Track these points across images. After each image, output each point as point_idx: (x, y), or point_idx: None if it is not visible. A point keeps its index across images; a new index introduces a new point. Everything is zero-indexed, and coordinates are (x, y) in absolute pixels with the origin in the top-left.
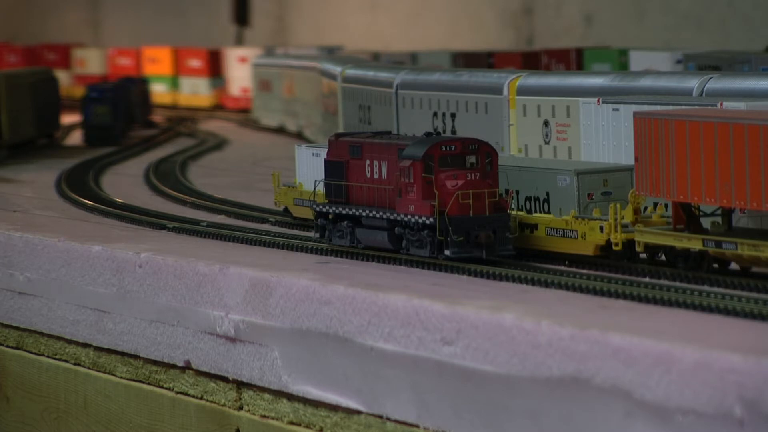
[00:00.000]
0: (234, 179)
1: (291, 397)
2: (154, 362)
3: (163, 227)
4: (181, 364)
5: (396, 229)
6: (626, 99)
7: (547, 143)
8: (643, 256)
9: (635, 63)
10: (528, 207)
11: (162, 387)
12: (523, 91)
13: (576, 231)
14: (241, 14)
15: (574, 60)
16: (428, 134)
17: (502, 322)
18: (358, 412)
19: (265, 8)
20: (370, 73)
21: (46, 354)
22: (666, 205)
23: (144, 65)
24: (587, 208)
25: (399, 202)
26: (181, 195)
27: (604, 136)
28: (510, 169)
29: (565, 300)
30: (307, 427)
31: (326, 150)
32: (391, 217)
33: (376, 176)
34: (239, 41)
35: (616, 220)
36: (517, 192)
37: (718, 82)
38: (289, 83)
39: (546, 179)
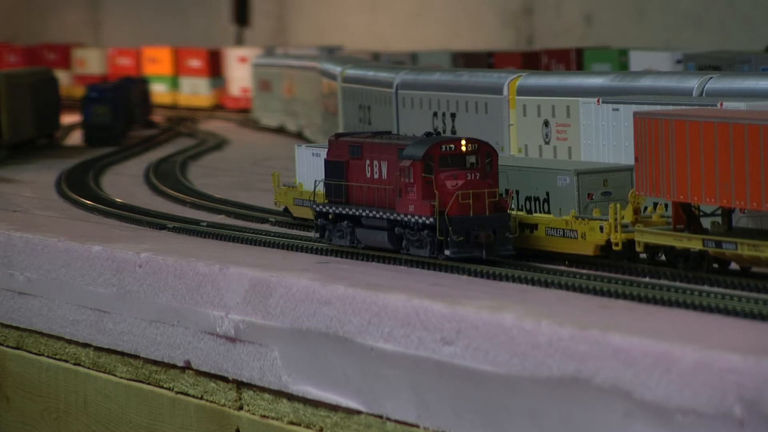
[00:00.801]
0: (234, 179)
1: (291, 397)
2: (154, 362)
3: (163, 227)
4: (181, 364)
5: (396, 229)
6: (626, 99)
7: (547, 143)
8: (643, 256)
9: (635, 63)
10: (528, 207)
11: (162, 387)
12: (523, 91)
13: (576, 231)
14: (241, 14)
15: (574, 60)
16: (428, 134)
17: (502, 322)
18: (358, 412)
19: (265, 8)
20: (370, 73)
21: (46, 354)
22: (666, 205)
23: (144, 65)
24: (587, 208)
25: (399, 202)
26: (181, 195)
27: (604, 136)
28: (510, 169)
29: (565, 300)
30: (307, 427)
31: (326, 150)
32: (391, 217)
33: (376, 176)
34: (239, 41)
35: (616, 220)
36: (517, 192)
37: (718, 82)
38: (289, 83)
39: (546, 179)
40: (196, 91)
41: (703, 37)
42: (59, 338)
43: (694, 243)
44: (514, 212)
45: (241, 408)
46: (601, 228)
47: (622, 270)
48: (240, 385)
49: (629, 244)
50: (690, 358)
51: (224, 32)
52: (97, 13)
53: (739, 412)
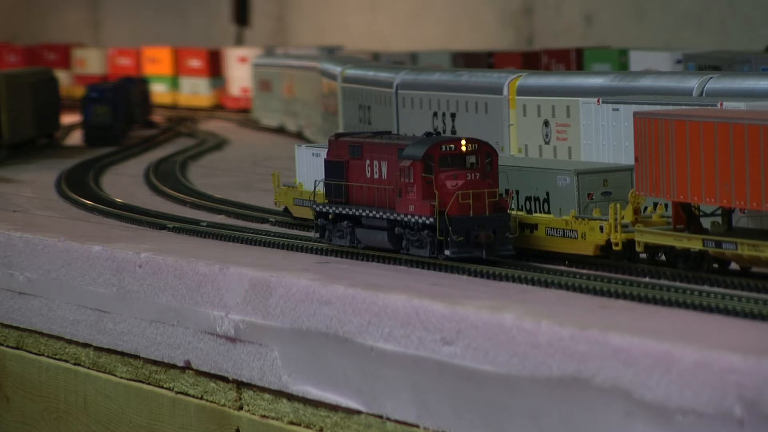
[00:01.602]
0: (234, 179)
1: (291, 397)
2: (154, 362)
3: (163, 227)
4: (181, 364)
5: (396, 229)
6: (626, 99)
7: (547, 143)
8: (643, 256)
9: (635, 63)
10: (528, 207)
11: (162, 387)
12: (523, 91)
13: (576, 231)
14: (241, 14)
15: (574, 60)
16: (428, 134)
17: (502, 322)
18: (358, 412)
19: (265, 8)
20: (370, 73)
21: (46, 354)
22: (666, 205)
23: (144, 65)
24: (587, 208)
25: (399, 202)
26: (181, 195)
27: (604, 136)
28: (510, 169)
29: (565, 300)
30: (307, 427)
31: (326, 150)
32: (391, 217)
33: (376, 176)
34: (239, 41)
35: (616, 220)
36: (517, 192)
37: (718, 82)
38: (289, 83)
39: (546, 179)
40: (196, 91)
41: (703, 37)
42: (59, 338)
43: (694, 243)
44: (514, 212)
45: (241, 408)
46: (601, 228)
47: (622, 270)
48: (240, 385)
49: (629, 244)
50: (690, 358)
51: (224, 32)
52: (97, 13)
53: (739, 412)
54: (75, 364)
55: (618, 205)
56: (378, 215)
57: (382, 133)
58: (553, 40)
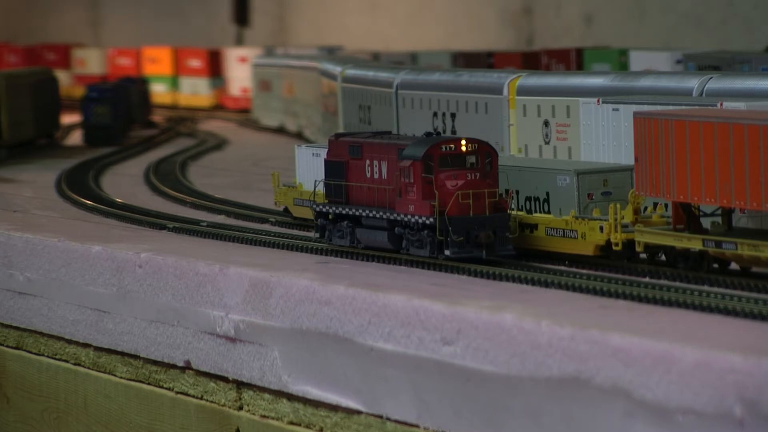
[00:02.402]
0: (234, 179)
1: (291, 397)
2: (154, 362)
3: (163, 227)
4: (181, 364)
5: (396, 229)
6: (626, 99)
7: (547, 143)
8: (643, 256)
9: (635, 63)
10: (528, 207)
11: (162, 387)
12: (523, 91)
13: (576, 231)
14: (241, 14)
15: (574, 60)
16: (428, 134)
17: (502, 322)
18: (358, 412)
19: (265, 8)
20: (370, 73)
21: (46, 354)
22: (666, 205)
23: (144, 65)
24: (587, 208)
25: (399, 202)
26: (181, 195)
27: (604, 136)
28: (510, 169)
29: (565, 300)
30: (307, 427)
31: (326, 150)
32: (391, 217)
33: (376, 176)
34: (239, 41)
35: (616, 220)
36: (517, 192)
37: (718, 82)
38: (289, 83)
39: (546, 179)
40: (196, 91)
41: (703, 37)
42: (59, 338)
43: (694, 243)
44: (514, 212)
45: (241, 408)
46: (601, 228)
47: (622, 270)
48: (240, 385)
49: (629, 244)
50: (690, 358)
51: (224, 32)
52: (97, 13)
53: (739, 412)
54: (75, 364)
55: (618, 205)
56: (378, 215)
57: (382, 133)
58: (553, 40)
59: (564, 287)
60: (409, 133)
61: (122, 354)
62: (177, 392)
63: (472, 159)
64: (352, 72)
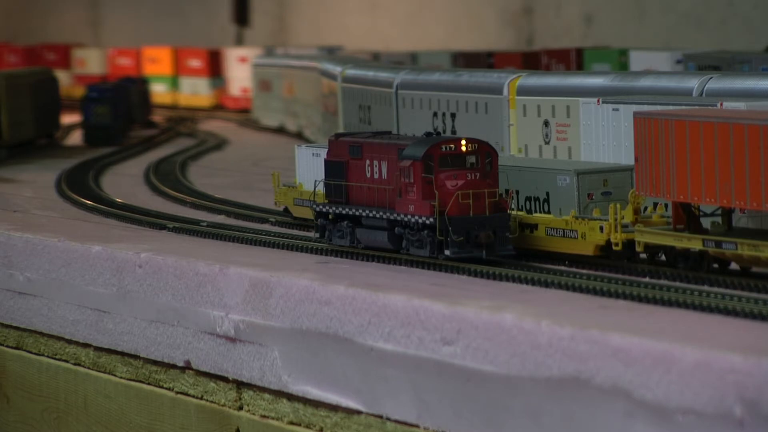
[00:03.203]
0: (234, 179)
1: (291, 397)
2: (154, 362)
3: (163, 227)
4: (181, 364)
5: (396, 229)
6: (626, 99)
7: (547, 143)
8: (643, 256)
9: (635, 63)
10: (528, 207)
11: (162, 387)
12: (523, 91)
13: (576, 231)
14: (241, 14)
15: (574, 60)
16: (428, 134)
17: (502, 322)
18: (358, 412)
19: (265, 8)
20: (370, 73)
21: (46, 354)
22: (666, 205)
23: (144, 65)
24: (587, 208)
25: (399, 202)
26: (181, 195)
27: (604, 136)
28: (510, 169)
29: (565, 300)
30: (307, 427)
31: (326, 150)
32: (391, 217)
33: (376, 176)
34: (239, 41)
35: (616, 220)
36: (517, 192)
37: (718, 82)
38: (289, 83)
39: (546, 179)
40: (196, 91)
41: (703, 37)
42: (59, 338)
43: (694, 243)
44: (514, 212)
45: (241, 408)
46: (601, 228)
47: (622, 270)
48: (240, 385)
49: (629, 244)
50: (690, 358)
51: (224, 32)
52: (97, 13)
53: (739, 412)
54: (75, 364)
55: (618, 205)
56: (378, 215)
57: (382, 133)
58: (553, 40)
59: (564, 287)
60: (409, 133)
61: (122, 354)
62: (177, 392)
63: (472, 159)
64: (352, 72)
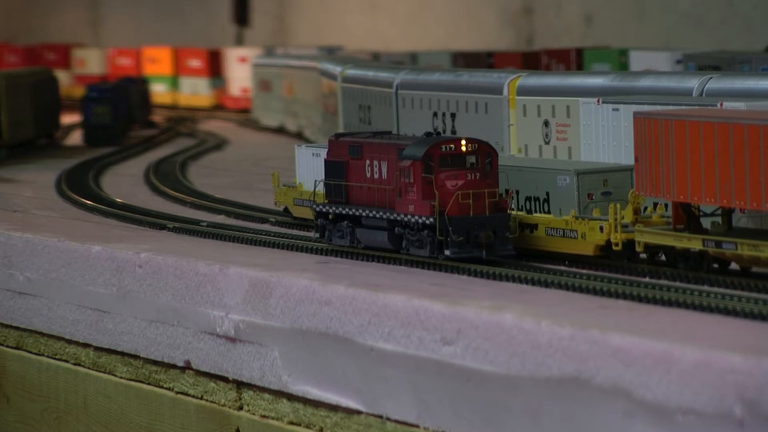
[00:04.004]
0: (234, 179)
1: (291, 397)
2: (154, 362)
3: (163, 227)
4: (181, 364)
5: (396, 229)
6: (626, 99)
7: (547, 143)
8: (643, 256)
9: (635, 63)
10: (528, 207)
11: (162, 387)
12: (523, 91)
13: (576, 231)
14: (241, 14)
15: (574, 60)
16: (428, 134)
17: (502, 322)
18: (358, 412)
19: (265, 8)
20: (370, 73)
21: (46, 354)
22: (666, 205)
23: (144, 65)
24: (587, 208)
25: (399, 202)
26: (181, 195)
27: (604, 136)
28: (510, 169)
29: (565, 300)
30: (307, 427)
31: (326, 150)
32: (391, 217)
33: (376, 176)
34: (239, 41)
35: (616, 220)
36: (517, 192)
37: (718, 82)
38: (289, 83)
39: (546, 179)
40: (196, 91)
41: (703, 37)
42: (59, 338)
43: (694, 243)
44: (514, 212)
45: (241, 408)
46: (601, 228)
47: (622, 270)
48: (240, 385)
49: (629, 244)
50: (690, 358)
51: (224, 32)
52: (97, 13)
53: (739, 412)
54: (75, 364)
55: (618, 205)
56: (378, 215)
57: (382, 133)
58: (553, 40)
59: (564, 287)
60: (409, 133)
61: (122, 354)
62: (177, 392)
63: (472, 159)
64: (352, 72)
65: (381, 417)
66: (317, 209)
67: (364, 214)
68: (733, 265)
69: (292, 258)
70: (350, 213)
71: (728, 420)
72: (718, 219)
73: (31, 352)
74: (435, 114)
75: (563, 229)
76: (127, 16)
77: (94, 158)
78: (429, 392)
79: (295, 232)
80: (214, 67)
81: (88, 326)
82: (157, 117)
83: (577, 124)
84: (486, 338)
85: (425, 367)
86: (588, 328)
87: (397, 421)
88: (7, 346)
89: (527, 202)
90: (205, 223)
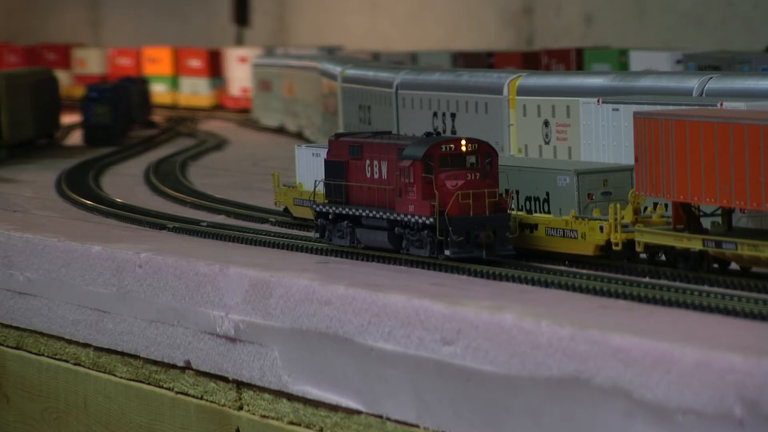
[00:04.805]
0: (234, 179)
1: (291, 397)
2: (154, 362)
3: (163, 227)
4: (181, 364)
5: (396, 229)
6: (626, 99)
7: (547, 143)
8: (643, 256)
9: (635, 63)
10: (528, 207)
11: (162, 387)
12: (523, 91)
13: (576, 231)
14: (241, 14)
15: (574, 60)
16: (428, 134)
17: (502, 322)
18: (358, 412)
19: (265, 8)
20: (370, 73)
21: (46, 354)
22: (666, 205)
23: (144, 65)
24: (587, 208)
25: (399, 202)
26: (181, 195)
27: (604, 136)
28: (510, 169)
29: (565, 300)
30: (307, 427)
31: (326, 150)
32: (391, 217)
33: (376, 176)
34: (239, 41)
35: (616, 220)
36: (517, 192)
37: (718, 82)
38: (289, 83)
39: (546, 179)
40: (196, 91)
41: (703, 37)
42: (59, 338)
43: (694, 243)
44: (514, 212)
45: (241, 408)
46: (601, 228)
47: (622, 270)
48: (240, 385)
49: (629, 244)
50: (690, 358)
51: (224, 32)
52: (97, 13)
53: (739, 412)
54: (75, 364)
55: (618, 205)
56: (378, 215)
57: (382, 133)
58: (553, 40)
59: (564, 287)
60: (409, 133)
61: (122, 354)
62: (177, 392)
63: (472, 159)
64: (352, 72)
65: (381, 417)
66: (317, 209)
67: (364, 214)
68: (733, 265)
69: (292, 258)
70: (350, 213)
71: (728, 420)
72: (718, 219)
73: (31, 352)
74: (435, 114)
75: (563, 229)
76: (127, 16)
77: (94, 158)
78: (429, 392)
79: (295, 232)
80: (214, 67)
81: (88, 326)
82: (157, 117)
83: (577, 124)
84: (486, 338)
85: (425, 367)
86: (588, 328)
87: (397, 421)
88: (7, 346)
89: (527, 202)
90: (205, 223)
